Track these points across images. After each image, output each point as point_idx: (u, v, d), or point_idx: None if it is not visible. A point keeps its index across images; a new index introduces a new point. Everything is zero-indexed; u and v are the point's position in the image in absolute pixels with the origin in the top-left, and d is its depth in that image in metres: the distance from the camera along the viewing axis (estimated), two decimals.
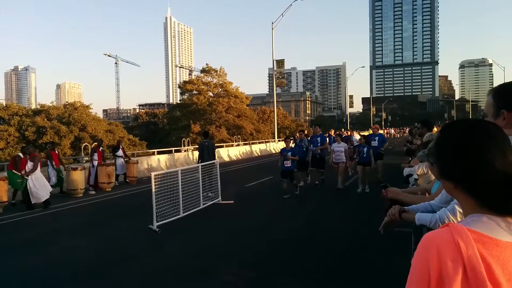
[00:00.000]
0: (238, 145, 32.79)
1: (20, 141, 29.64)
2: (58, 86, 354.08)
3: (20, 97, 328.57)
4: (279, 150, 11.75)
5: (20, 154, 11.59)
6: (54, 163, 12.76)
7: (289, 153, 10.96)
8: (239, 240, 7.22)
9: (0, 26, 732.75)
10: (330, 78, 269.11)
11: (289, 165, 10.91)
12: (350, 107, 74.47)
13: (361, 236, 7.17)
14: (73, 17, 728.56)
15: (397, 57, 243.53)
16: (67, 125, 32.40)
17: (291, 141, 11.50)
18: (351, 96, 72.57)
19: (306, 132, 24.17)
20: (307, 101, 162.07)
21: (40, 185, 10.62)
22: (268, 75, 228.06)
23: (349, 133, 25.44)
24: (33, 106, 79.52)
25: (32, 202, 10.45)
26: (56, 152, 14.03)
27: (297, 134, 13.91)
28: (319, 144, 12.78)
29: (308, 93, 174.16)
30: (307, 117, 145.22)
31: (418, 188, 4.17)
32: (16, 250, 6.91)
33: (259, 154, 31.55)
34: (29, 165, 10.63)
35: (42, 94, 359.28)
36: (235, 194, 11.74)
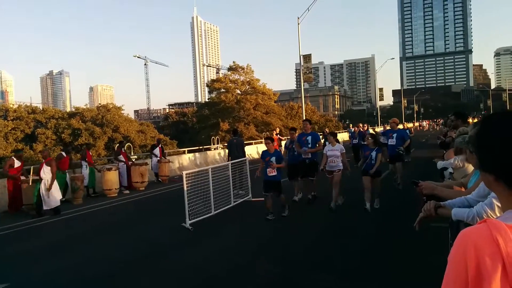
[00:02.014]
0: None
1: (57, 143, 30.74)
2: (91, 89, 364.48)
3: (55, 100, 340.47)
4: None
5: (63, 153, 12.01)
6: (88, 163, 13.21)
7: (273, 159, 8.31)
8: (270, 236, 7.24)
9: (37, 32, 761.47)
10: (359, 71, 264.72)
11: (273, 173, 8.26)
12: (380, 100, 73.01)
13: (389, 233, 7.04)
14: (102, 21, 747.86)
15: (428, 47, 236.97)
16: (100, 126, 33.34)
17: (274, 142, 8.68)
18: (381, 89, 71.14)
19: (328, 131, 22.46)
20: (336, 96, 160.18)
21: (52, 192, 10.20)
22: (295, 70, 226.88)
23: (365, 127, 21.49)
24: (68, 109, 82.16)
25: (44, 209, 10.09)
26: (90, 153, 14.48)
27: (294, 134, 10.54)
28: (309, 146, 9.54)
29: (336, 87, 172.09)
30: (336, 112, 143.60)
31: (453, 183, 4.04)
32: (54, 250, 7.20)
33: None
34: (46, 169, 10.20)
35: (76, 97, 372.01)
36: None
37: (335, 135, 9.69)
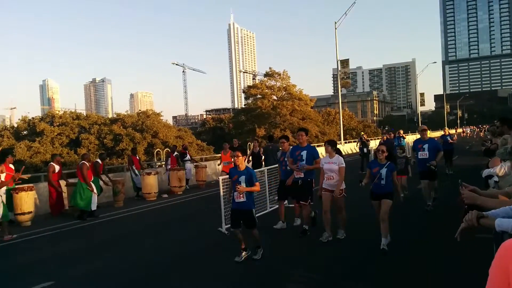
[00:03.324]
0: None
1: (99, 148, 31.87)
2: (132, 96, 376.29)
3: (98, 107, 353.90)
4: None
5: (99, 160, 12.46)
6: (135, 168, 13.86)
7: (241, 179, 5.99)
8: (305, 243, 7.18)
9: (81, 42, 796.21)
10: (399, 76, 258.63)
11: (242, 199, 6.01)
12: (421, 105, 71.01)
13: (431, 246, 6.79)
14: (143, 30, 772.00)
15: (472, 51, 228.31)
16: (140, 132, 34.31)
17: (247, 155, 6.47)
18: (422, 94, 69.21)
19: (365, 136, 20.28)
20: (374, 101, 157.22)
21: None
22: (332, 75, 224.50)
23: (390, 135, 17.99)
24: (110, 115, 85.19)
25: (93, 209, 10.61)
26: (137, 157, 15.08)
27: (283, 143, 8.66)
28: (303, 162, 7.53)
29: (375, 93, 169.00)
30: (374, 118, 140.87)
31: (498, 192, 3.85)
32: (95, 251, 7.47)
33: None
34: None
35: (117, 104, 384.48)
36: None
37: (334, 144, 7.38)
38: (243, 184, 5.94)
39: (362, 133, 23.76)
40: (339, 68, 33.25)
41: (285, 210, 8.52)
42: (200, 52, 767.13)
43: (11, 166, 9.88)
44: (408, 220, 8.45)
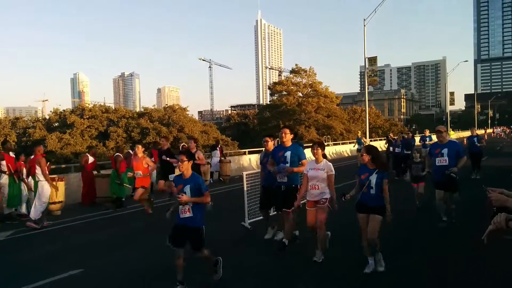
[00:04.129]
0: (327, 145, 32.67)
1: (127, 141, 32.54)
2: (159, 90, 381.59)
3: (126, 100, 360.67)
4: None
5: (130, 151, 12.74)
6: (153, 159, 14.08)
7: (187, 188, 4.98)
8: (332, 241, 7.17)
9: (110, 37, 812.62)
10: (428, 74, 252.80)
11: (188, 214, 4.97)
12: (450, 104, 69.16)
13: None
14: (170, 25, 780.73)
15: (506, 49, 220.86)
16: (167, 126, 34.82)
17: (184, 157, 4.80)
18: (451, 93, 67.39)
19: (393, 136, 18.31)
20: (402, 99, 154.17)
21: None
22: (359, 73, 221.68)
23: (409, 135, 16.08)
24: (138, 109, 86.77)
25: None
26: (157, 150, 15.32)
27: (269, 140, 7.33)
28: (287, 164, 6.41)
29: (403, 91, 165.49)
30: (401, 116, 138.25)
31: None
32: (123, 240, 7.67)
33: (350, 154, 31.12)
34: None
35: (145, 98, 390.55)
36: None
37: (322, 146, 6.05)
38: (188, 194, 4.89)
39: (391, 134, 22.31)
40: (367, 66, 32.76)
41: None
42: (227, 48, 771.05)
43: (11, 154, 10.10)
44: (417, 229, 8.29)
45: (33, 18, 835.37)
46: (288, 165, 6.40)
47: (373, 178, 5.22)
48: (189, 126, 35.90)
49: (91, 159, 11.73)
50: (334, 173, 5.90)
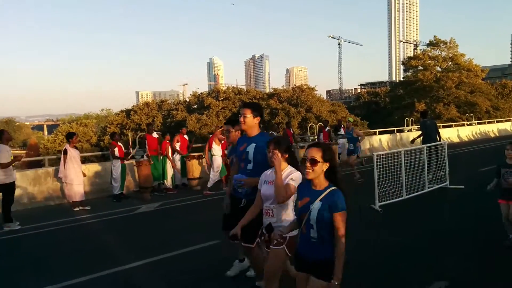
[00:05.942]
0: (470, 124, 29.49)
1: None
2: (287, 71, 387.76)
3: (256, 82, 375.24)
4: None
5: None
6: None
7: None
8: (466, 228, 6.53)
9: (242, 21, 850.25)
10: None
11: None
12: None
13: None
14: (298, 6, 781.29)
15: None
16: (295, 106, 35.37)
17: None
18: None
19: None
20: None
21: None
22: (511, 42, 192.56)
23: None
24: (267, 90, 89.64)
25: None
26: (291, 131, 15.84)
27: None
28: (249, 166, 3.99)
29: None
30: None
31: None
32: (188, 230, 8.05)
33: (497, 134, 27.67)
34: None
35: (274, 79, 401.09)
36: (467, 178, 10.65)
37: (284, 145, 3.52)
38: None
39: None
40: None
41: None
42: (357, 24, 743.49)
43: (186, 136, 11.35)
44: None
45: (174, 14, 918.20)
46: (251, 165, 3.95)
47: (315, 208, 2.80)
48: (317, 106, 35.89)
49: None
50: (295, 184, 3.31)
